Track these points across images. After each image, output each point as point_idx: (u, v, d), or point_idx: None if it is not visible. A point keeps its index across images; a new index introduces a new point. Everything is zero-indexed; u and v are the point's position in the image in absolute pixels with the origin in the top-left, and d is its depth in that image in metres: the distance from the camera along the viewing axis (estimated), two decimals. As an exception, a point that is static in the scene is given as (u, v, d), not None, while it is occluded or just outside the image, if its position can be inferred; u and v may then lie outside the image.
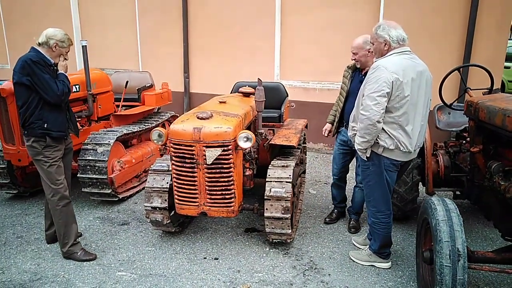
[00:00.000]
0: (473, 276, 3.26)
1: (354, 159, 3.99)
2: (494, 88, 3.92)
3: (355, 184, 4.14)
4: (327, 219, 4.31)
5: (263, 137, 4.06)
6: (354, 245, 3.80)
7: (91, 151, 4.41)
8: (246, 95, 4.46)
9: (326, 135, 4.26)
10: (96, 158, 4.36)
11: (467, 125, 3.63)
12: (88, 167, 4.38)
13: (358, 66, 3.83)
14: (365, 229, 4.06)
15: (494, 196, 3.04)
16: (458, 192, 3.94)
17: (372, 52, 3.51)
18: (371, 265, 3.43)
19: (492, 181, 2.95)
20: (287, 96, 5.07)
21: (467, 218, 4.33)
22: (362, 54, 3.70)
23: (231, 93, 5.02)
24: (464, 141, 3.93)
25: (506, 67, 9.79)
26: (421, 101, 3.00)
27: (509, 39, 7.66)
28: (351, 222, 4.15)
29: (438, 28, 6.34)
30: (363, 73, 3.79)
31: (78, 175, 4.40)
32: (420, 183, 4.03)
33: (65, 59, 3.46)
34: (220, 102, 3.93)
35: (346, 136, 3.88)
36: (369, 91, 2.90)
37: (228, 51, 7.60)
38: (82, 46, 4.61)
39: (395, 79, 2.84)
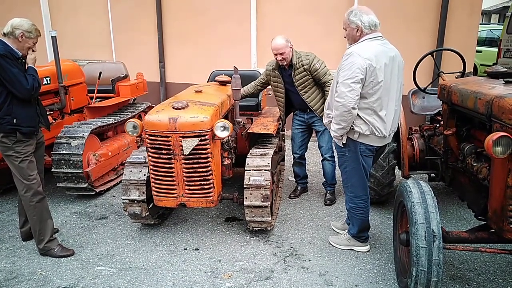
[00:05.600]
0: (448, 255, 3.36)
1: (314, 134, 4.38)
2: (466, 72, 3.99)
3: (321, 158, 4.38)
4: (291, 195, 4.63)
5: (241, 126, 4.04)
6: (333, 230, 3.85)
7: (65, 144, 4.30)
8: (223, 83, 4.42)
9: None
10: (71, 152, 4.26)
11: (441, 109, 3.69)
12: (62, 161, 4.27)
13: (284, 63, 4.03)
14: (337, 216, 4.12)
15: (467, 177, 3.12)
16: (433, 175, 4.02)
17: (291, 45, 3.92)
18: (350, 249, 3.49)
19: (465, 162, 3.03)
20: (265, 84, 5.04)
21: (442, 199, 4.44)
22: (288, 51, 3.95)
23: (207, 82, 4.96)
24: (438, 125, 4.00)
25: (478, 51, 9.99)
26: (394, 86, 3.02)
27: (480, 24, 7.81)
28: (327, 195, 4.43)
29: (412, 14, 6.41)
30: (287, 67, 4.08)
31: (53, 169, 4.29)
32: (396, 167, 4.10)
33: (33, 50, 3.33)
34: (196, 92, 3.88)
35: (303, 116, 4.31)
36: (343, 78, 2.90)
37: (204, 40, 7.50)
38: (52, 36, 4.46)
39: (369, 65, 2.85)
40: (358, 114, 2.97)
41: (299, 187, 4.70)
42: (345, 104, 2.89)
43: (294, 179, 4.79)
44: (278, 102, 4.37)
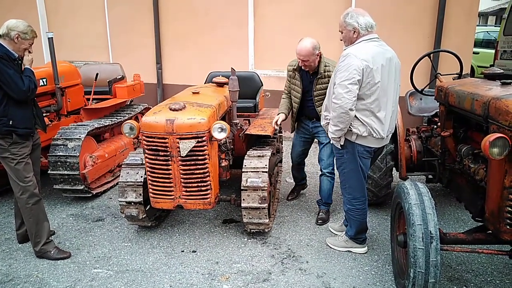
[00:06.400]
0: (445, 257, 3.36)
1: (317, 146, 4.17)
2: (463, 73, 4.01)
3: (320, 173, 4.08)
4: (289, 197, 4.63)
5: (238, 127, 4.03)
6: (331, 231, 3.84)
7: (62, 146, 4.28)
8: (220, 85, 4.41)
9: (279, 123, 4.04)
10: (67, 154, 4.24)
11: (438, 110, 3.70)
12: (59, 163, 4.25)
13: (307, 69, 3.80)
14: (335, 217, 4.11)
15: (465, 178, 3.13)
16: (430, 176, 4.03)
17: (319, 53, 3.67)
18: (348, 251, 3.48)
19: (462, 164, 3.03)
20: (262, 85, 5.04)
21: (439, 201, 4.44)
22: (313, 60, 3.68)
23: (205, 83, 4.95)
24: (435, 126, 4.01)
25: (475, 53, 10.03)
26: (391, 87, 3.02)
27: (477, 25, 7.85)
28: (320, 214, 4.09)
29: (410, 16, 6.43)
30: (311, 73, 3.83)
31: (49, 171, 4.27)
32: (394, 169, 4.10)
33: (29, 52, 3.32)
34: (194, 93, 3.86)
35: (307, 124, 4.08)
36: (340, 79, 2.90)
37: (202, 41, 7.50)
38: (48, 38, 4.44)
39: (365, 66, 2.85)
40: (355, 116, 2.97)
41: (297, 187, 4.68)
42: (343, 106, 2.88)
43: (292, 181, 4.78)
44: (293, 103, 4.07)
